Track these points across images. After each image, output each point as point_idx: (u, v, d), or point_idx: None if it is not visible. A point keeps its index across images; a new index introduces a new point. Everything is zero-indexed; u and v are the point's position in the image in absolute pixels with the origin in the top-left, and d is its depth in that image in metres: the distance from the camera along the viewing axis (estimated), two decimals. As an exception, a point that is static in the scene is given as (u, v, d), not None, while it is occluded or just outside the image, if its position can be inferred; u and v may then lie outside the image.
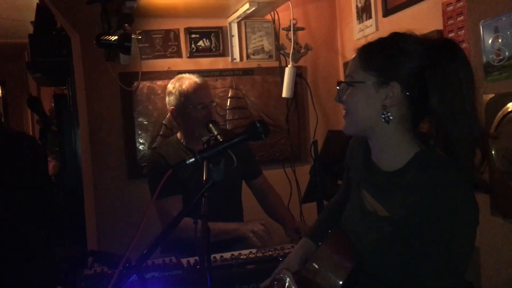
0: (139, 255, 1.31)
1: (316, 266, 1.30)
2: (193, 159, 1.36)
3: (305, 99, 3.45)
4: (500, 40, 1.71)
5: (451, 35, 2.31)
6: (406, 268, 1.18)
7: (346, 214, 1.44)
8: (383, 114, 1.25)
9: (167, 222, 2.20)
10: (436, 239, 1.15)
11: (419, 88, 1.23)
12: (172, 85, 2.34)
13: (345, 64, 3.41)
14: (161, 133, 3.21)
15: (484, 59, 1.77)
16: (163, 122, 3.21)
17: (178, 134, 2.44)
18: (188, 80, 2.31)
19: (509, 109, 1.68)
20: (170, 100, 2.33)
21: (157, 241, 1.34)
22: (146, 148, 3.19)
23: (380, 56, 1.27)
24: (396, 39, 1.28)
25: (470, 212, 1.17)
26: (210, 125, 2.19)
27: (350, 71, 1.31)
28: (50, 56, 4.00)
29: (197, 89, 2.28)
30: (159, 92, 3.20)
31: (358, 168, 1.41)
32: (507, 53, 1.69)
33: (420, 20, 2.60)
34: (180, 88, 2.29)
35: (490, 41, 1.75)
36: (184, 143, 2.39)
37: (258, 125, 1.36)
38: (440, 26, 2.41)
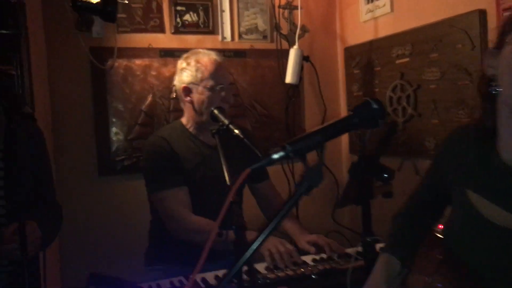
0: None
1: None
2: (282, 153, 0.94)
3: (305, 87, 3.07)
4: None
5: (506, 13, 2.01)
6: None
7: (454, 226, 1.20)
8: None
9: (171, 217, 1.92)
10: None
11: None
12: (185, 61, 2.00)
13: (346, 50, 3.05)
14: (139, 121, 2.71)
15: None
16: (142, 108, 2.71)
17: (184, 119, 2.09)
18: (208, 56, 1.99)
19: None
20: (182, 77, 1.99)
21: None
22: (121, 139, 2.68)
23: None
24: None
25: None
26: (216, 112, 1.85)
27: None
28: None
29: (217, 68, 1.98)
30: (138, 73, 2.70)
31: (465, 167, 1.17)
32: None
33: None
34: (197, 64, 1.96)
35: None
36: (191, 131, 2.04)
37: (374, 105, 0.97)
38: (482, 5, 2.11)
